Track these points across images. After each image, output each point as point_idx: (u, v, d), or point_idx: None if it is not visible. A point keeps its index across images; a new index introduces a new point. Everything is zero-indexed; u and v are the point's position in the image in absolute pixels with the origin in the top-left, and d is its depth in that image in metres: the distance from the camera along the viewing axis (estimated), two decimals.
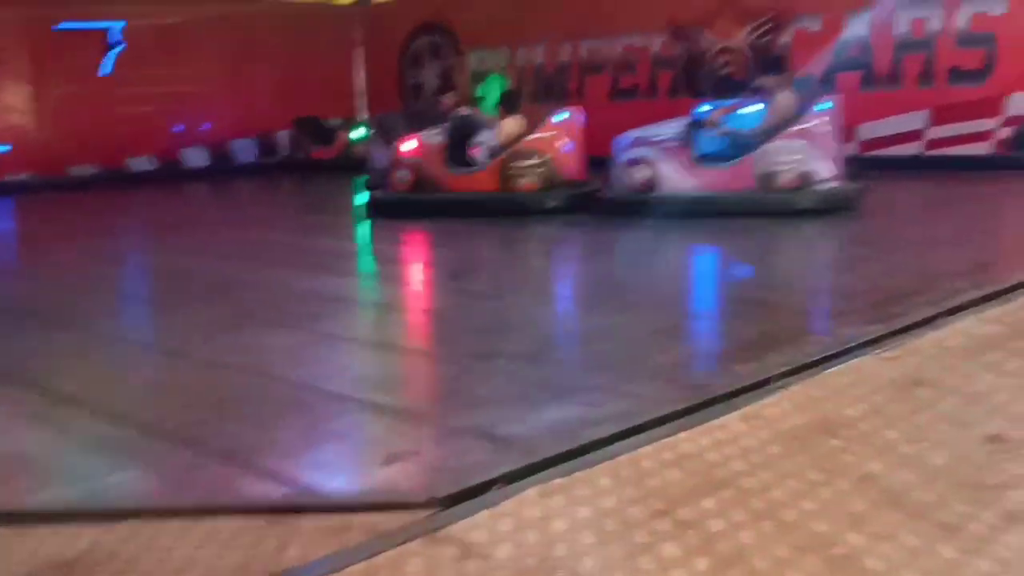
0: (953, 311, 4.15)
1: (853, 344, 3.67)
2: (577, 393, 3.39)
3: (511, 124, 9.15)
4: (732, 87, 13.68)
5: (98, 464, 3.00)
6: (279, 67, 17.07)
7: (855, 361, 3.45)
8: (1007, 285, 4.55)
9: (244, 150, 16.90)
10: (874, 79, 12.17)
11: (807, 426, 2.82)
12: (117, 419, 3.38)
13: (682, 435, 2.78)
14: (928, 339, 3.72)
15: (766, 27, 13.40)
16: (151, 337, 4.94)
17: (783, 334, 4.07)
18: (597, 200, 8.69)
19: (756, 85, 8.60)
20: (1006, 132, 11.26)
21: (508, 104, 9.58)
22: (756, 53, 13.57)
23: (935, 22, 11.71)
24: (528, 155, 8.88)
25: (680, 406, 3.06)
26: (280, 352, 4.24)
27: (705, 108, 8.60)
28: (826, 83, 12.09)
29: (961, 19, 11.50)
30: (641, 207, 8.19)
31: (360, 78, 18.97)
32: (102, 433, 3.27)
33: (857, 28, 12.36)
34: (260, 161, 16.93)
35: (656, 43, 14.62)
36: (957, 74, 11.59)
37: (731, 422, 2.87)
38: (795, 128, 7.93)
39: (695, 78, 14.25)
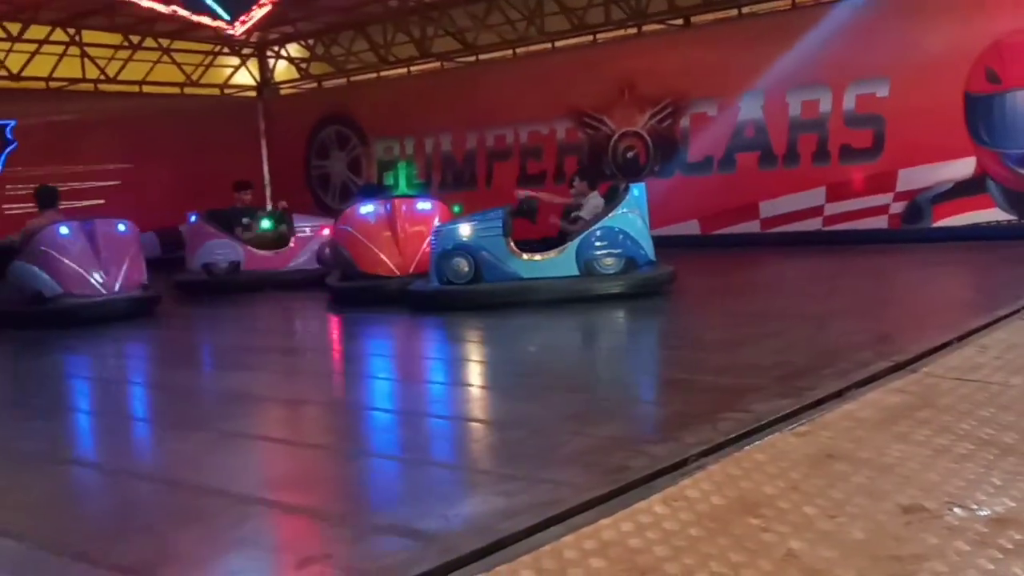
0: (861, 383, 4.22)
1: (766, 421, 3.69)
2: (495, 483, 3.30)
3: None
4: (637, 170, 14.10)
5: None
6: (180, 160, 16.88)
7: (769, 437, 3.46)
8: (910, 356, 4.67)
9: (145, 245, 16.58)
10: (772, 158, 12.66)
11: (727, 506, 2.79)
12: (7, 535, 3.15)
13: (603, 522, 2.72)
14: (839, 412, 3.76)
15: (665, 112, 13.86)
16: (46, 446, 4.68)
17: (697, 413, 4.06)
18: None
19: None
20: (899, 207, 11.76)
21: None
22: (656, 137, 14.01)
23: (825, 104, 12.27)
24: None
25: (599, 491, 3.01)
26: (183, 455, 4.05)
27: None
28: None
29: (848, 101, 12.08)
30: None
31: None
32: None
33: (751, 110, 12.88)
34: (164, 256, 16.59)
35: (561, 130, 14.97)
36: (849, 152, 12.12)
37: (652, 505, 2.83)
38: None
39: (601, 162, 14.59)
